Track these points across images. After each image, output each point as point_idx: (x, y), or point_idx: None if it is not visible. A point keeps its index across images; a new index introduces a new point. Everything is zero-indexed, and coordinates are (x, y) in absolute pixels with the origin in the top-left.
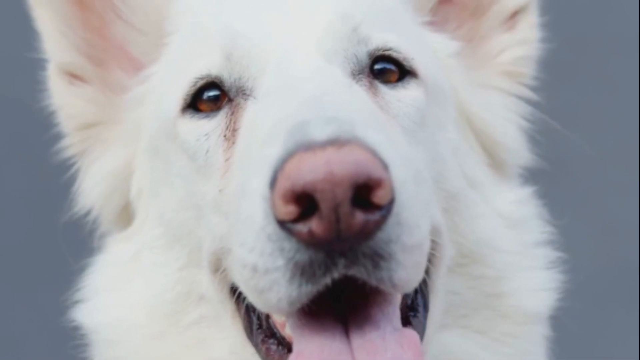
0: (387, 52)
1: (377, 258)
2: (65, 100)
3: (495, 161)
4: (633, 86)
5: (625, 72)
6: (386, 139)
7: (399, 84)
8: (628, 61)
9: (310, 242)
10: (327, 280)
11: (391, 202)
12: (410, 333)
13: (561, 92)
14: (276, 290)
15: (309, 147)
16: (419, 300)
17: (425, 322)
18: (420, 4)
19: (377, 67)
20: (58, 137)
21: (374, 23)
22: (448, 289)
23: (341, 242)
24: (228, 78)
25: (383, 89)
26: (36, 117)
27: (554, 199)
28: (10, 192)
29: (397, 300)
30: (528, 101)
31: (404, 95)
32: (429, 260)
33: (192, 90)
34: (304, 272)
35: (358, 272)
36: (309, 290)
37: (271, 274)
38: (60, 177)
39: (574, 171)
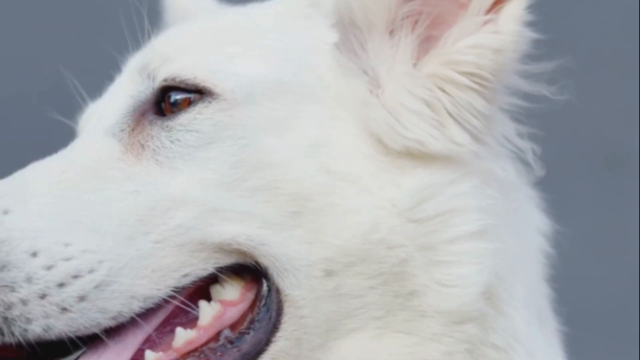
0: (163, 84)
1: None
2: None
3: (392, 149)
4: None
5: None
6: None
7: (184, 109)
8: None
9: None
10: None
11: None
12: None
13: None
14: None
15: None
16: (262, 314)
17: (269, 337)
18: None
19: (171, 97)
20: None
21: (174, 55)
22: (337, 293)
23: None
24: None
25: (157, 122)
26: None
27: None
28: None
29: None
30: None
31: (178, 122)
32: (266, 274)
33: None
34: None
35: None
36: None
37: None
38: None
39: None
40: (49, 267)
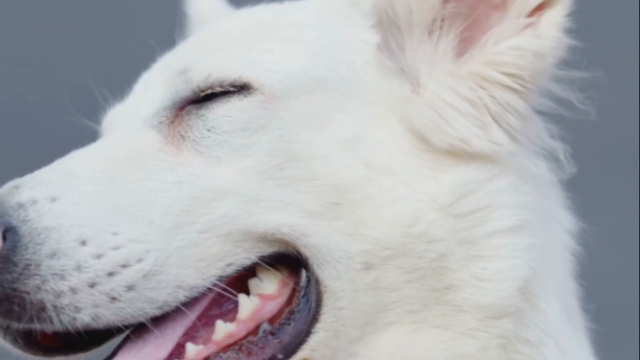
0: (207, 83)
1: (25, 314)
2: None
3: (435, 147)
4: None
5: None
6: (56, 193)
7: (219, 100)
8: None
9: None
10: (9, 334)
11: None
12: None
13: None
14: None
15: None
16: (301, 305)
17: (308, 328)
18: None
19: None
20: None
21: (210, 55)
22: (375, 286)
23: None
24: None
25: (194, 112)
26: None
27: None
28: None
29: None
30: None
31: (215, 113)
32: (305, 263)
33: None
34: None
35: (36, 325)
36: (7, 340)
37: None
38: None
39: None
40: (99, 256)
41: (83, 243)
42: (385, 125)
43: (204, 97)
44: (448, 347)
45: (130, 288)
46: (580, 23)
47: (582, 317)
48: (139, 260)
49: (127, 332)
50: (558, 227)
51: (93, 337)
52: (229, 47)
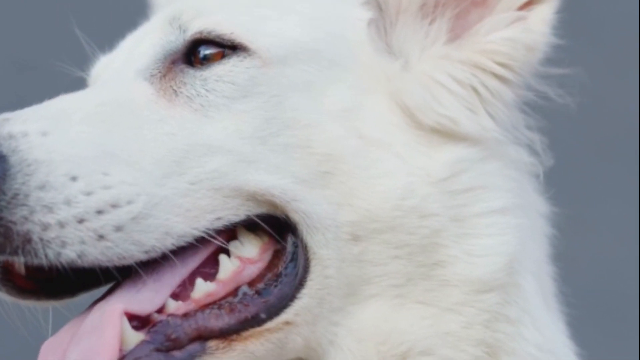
0: (197, 36)
1: (10, 245)
2: None
3: (423, 124)
4: None
5: None
6: (48, 129)
7: (217, 61)
8: None
9: None
10: None
11: None
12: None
13: None
14: None
15: None
16: (289, 270)
17: (294, 292)
18: None
19: (200, 52)
20: None
21: (206, 10)
22: (361, 258)
23: None
24: None
25: (189, 72)
26: None
27: None
28: None
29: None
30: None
31: (213, 73)
32: (293, 228)
33: None
34: None
35: (19, 257)
36: None
37: None
38: None
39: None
40: (89, 193)
41: (73, 179)
42: (378, 100)
43: (195, 51)
44: (432, 323)
45: (118, 228)
46: (581, 16)
47: (557, 300)
48: (129, 202)
49: (107, 286)
50: (534, 211)
51: (68, 286)
52: (226, 7)
